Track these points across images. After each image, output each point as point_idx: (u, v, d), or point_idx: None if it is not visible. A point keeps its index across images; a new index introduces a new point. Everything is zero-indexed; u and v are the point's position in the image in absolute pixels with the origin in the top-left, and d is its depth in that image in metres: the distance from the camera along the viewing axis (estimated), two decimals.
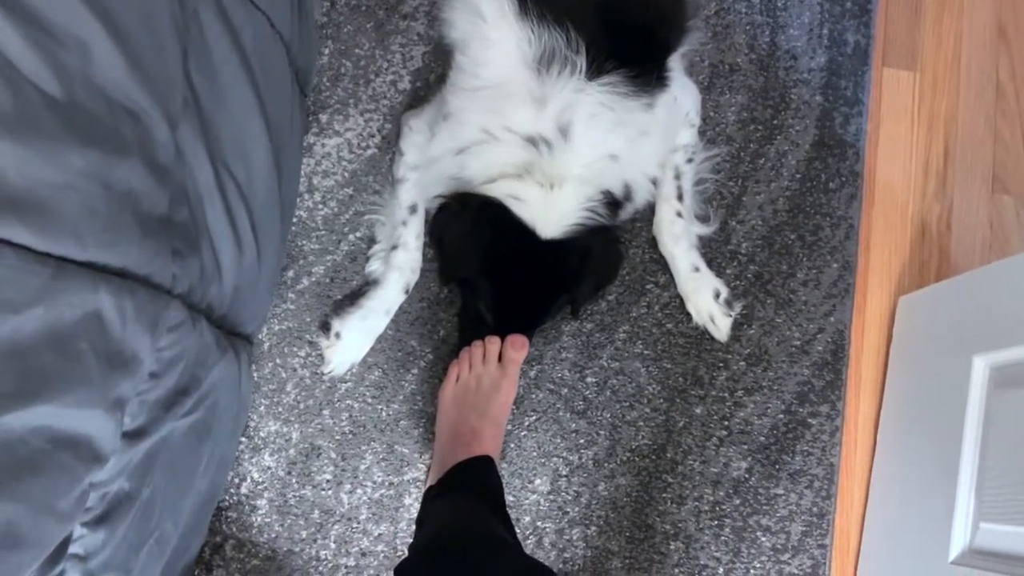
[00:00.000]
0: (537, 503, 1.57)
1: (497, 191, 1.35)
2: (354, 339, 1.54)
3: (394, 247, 1.55)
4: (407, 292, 1.56)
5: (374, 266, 1.58)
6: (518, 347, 1.44)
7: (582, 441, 1.59)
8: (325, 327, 1.54)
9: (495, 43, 1.36)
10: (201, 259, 1.04)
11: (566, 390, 1.60)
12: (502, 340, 1.44)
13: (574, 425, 1.59)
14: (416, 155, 1.55)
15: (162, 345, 0.95)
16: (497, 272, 1.40)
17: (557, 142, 1.33)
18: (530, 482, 1.57)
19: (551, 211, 1.36)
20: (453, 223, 1.42)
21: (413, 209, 1.56)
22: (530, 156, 1.34)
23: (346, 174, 1.64)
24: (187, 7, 0.95)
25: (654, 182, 1.54)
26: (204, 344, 1.12)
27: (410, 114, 1.60)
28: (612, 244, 1.49)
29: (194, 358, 1.09)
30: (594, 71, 1.32)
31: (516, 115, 1.34)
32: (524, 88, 1.33)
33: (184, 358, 1.04)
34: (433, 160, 1.46)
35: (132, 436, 0.95)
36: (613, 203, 1.43)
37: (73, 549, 0.91)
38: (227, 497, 1.51)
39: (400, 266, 1.54)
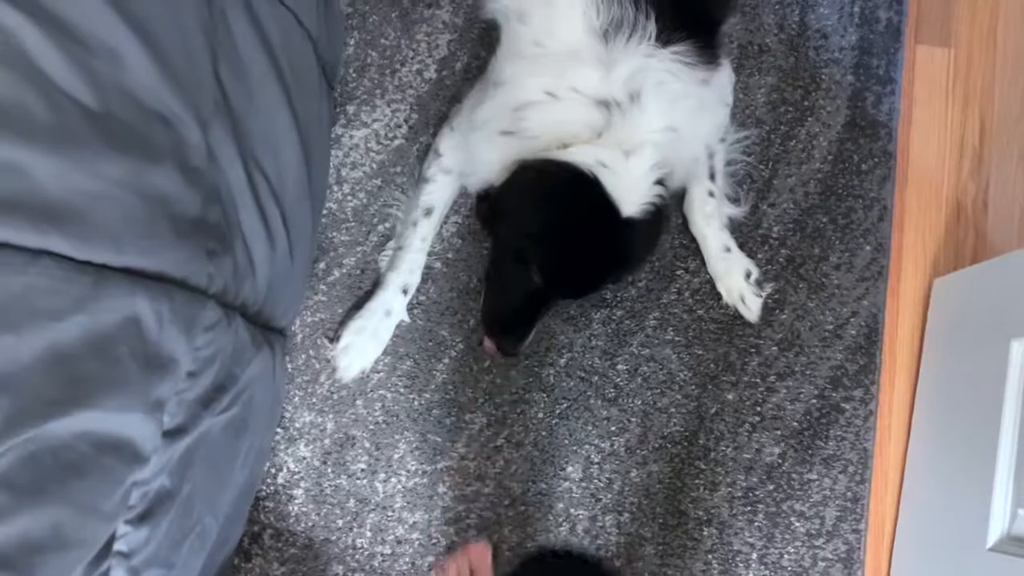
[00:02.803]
0: (569, 490, 1.58)
1: (582, 157, 1.28)
2: (357, 343, 1.55)
3: (399, 248, 1.56)
4: (406, 293, 1.56)
5: (382, 263, 1.59)
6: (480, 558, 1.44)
7: (613, 428, 1.60)
8: (334, 334, 1.56)
9: (560, 11, 1.33)
10: (235, 257, 1.05)
11: (597, 377, 1.60)
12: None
13: (605, 412, 1.60)
14: (453, 157, 1.54)
15: (199, 344, 0.96)
16: (566, 241, 1.34)
17: (628, 106, 1.30)
18: (562, 469, 1.58)
19: (631, 184, 1.30)
20: (531, 185, 1.34)
21: (428, 212, 1.55)
22: (603, 118, 1.30)
23: (374, 165, 1.64)
24: (215, 7, 0.95)
25: (697, 160, 1.53)
26: (239, 341, 1.13)
27: (452, 112, 1.59)
28: (664, 223, 1.43)
29: (230, 355, 1.10)
30: (664, 39, 1.30)
31: (583, 77, 1.30)
32: (591, 53, 1.30)
33: (220, 356, 1.05)
34: (482, 123, 1.41)
35: (172, 435, 0.97)
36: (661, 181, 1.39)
37: (117, 547, 0.93)
38: (264, 487, 1.53)
39: (399, 267, 1.55)
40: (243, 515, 1.41)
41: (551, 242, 1.33)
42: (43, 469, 0.73)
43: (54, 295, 0.73)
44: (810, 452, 1.61)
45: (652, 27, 1.29)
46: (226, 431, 1.17)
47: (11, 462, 0.70)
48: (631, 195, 1.30)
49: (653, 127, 1.32)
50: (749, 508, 1.59)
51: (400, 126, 1.66)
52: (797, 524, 1.60)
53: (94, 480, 0.80)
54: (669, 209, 1.46)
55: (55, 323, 0.73)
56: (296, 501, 1.54)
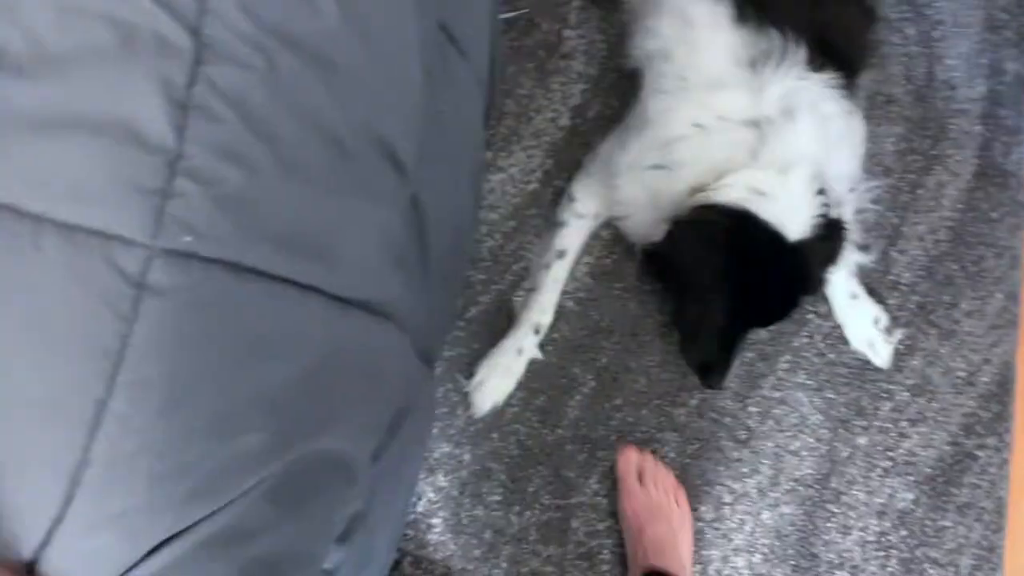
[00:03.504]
0: (701, 531, 1.60)
1: (735, 187, 1.26)
2: (491, 379, 1.60)
3: (532, 289, 1.61)
4: (538, 332, 1.60)
5: (517, 302, 1.64)
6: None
7: (745, 469, 1.62)
8: (469, 370, 1.61)
9: (705, 48, 1.34)
10: (424, 292, 1.12)
11: (728, 419, 1.63)
12: None
13: (737, 454, 1.62)
14: (587, 203, 1.59)
15: (401, 372, 1.03)
16: (744, 282, 1.33)
17: (782, 122, 1.28)
18: (694, 509, 1.60)
19: (793, 204, 1.27)
20: (691, 241, 1.33)
21: (561, 255, 1.61)
22: (756, 136, 1.28)
23: (510, 208, 1.71)
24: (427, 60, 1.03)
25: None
26: (416, 372, 1.20)
27: (587, 159, 1.64)
28: (839, 232, 1.37)
29: (409, 384, 1.17)
30: (815, 66, 1.31)
31: (731, 102, 1.29)
32: (738, 80, 1.30)
33: (408, 384, 1.11)
34: (628, 165, 1.43)
35: (372, 459, 1.03)
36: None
37: (324, 565, 0.99)
38: None
39: (532, 307, 1.60)
40: (396, 543, 1.46)
41: (730, 288, 1.33)
42: (299, 487, 0.80)
43: (314, 327, 0.80)
44: (944, 499, 1.61)
45: (802, 55, 1.29)
46: (396, 459, 1.23)
47: (277, 479, 0.77)
48: (796, 215, 1.28)
49: (806, 148, 1.30)
50: (882, 553, 1.59)
51: (535, 171, 1.72)
52: (931, 571, 1.59)
53: (329, 498, 0.87)
54: (841, 217, 1.37)
55: (314, 351, 0.80)
56: (435, 530, 1.59)
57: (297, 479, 0.80)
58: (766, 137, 1.28)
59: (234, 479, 0.73)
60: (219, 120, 0.69)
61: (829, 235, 1.33)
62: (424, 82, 1.01)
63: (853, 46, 1.46)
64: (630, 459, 1.57)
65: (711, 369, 1.44)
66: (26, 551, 0.66)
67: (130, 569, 0.69)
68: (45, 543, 0.66)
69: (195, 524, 0.72)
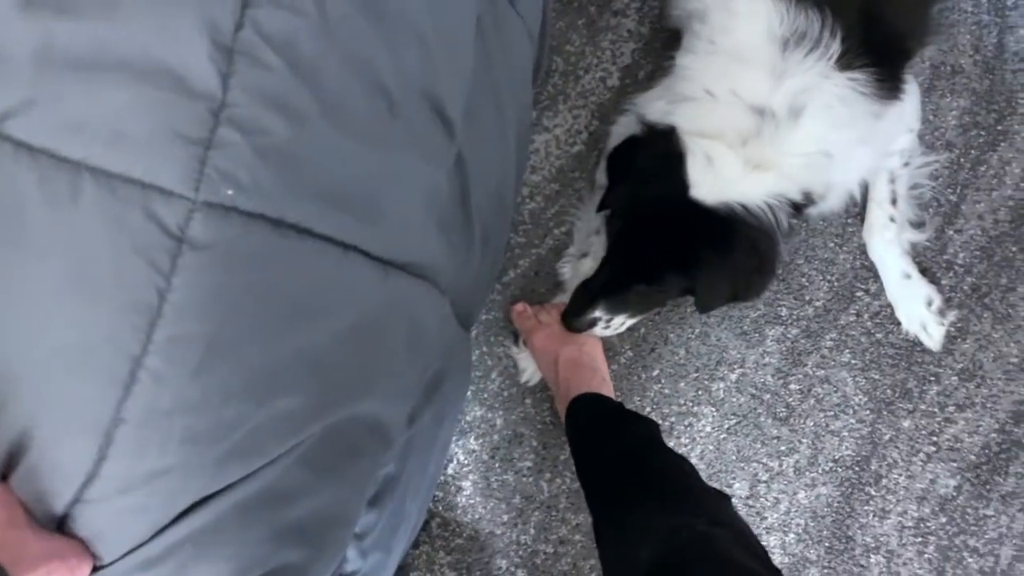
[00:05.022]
0: (735, 507, 1.56)
1: (698, 145, 1.25)
2: None
3: (583, 255, 1.57)
4: None
5: (563, 270, 1.60)
6: None
7: (783, 448, 1.58)
8: (516, 335, 1.58)
9: (742, 14, 1.29)
10: (467, 254, 1.08)
11: (768, 396, 1.59)
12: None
13: (775, 431, 1.58)
14: None
15: (442, 336, 1.00)
16: (634, 216, 1.32)
17: (785, 121, 1.25)
18: (728, 486, 1.57)
19: (731, 184, 1.25)
20: (627, 155, 1.35)
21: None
22: (756, 126, 1.26)
23: (553, 170, 1.66)
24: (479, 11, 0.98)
25: (851, 190, 1.47)
26: (455, 335, 1.17)
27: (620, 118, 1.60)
28: (765, 256, 1.31)
29: (447, 348, 1.14)
30: (844, 63, 1.26)
31: (748, 81, 1.27)
32: (764, 59, 1.26)
33: (446, 348, 1.09)
34: (641, 113, 1.41)
35: (408, 422, 1.01)
36: (800, 206, 1.34)
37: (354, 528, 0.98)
38: None
39: (585, 274, 1.55)
40: (428, 505, 1.45)
41: (620, 212, 1.33)
42: (335, 450, 0.78)
43: (355, 288, 0.77)
44: (987, 487, 1.56)
45: (836, 47, 1.24)
46: (431, 422, 1.21)
47: (314, 442, 0.75)
48: (722, 185, 1.24)
49: (803, 149, 1.27)
50: (920, 539, 1.56)
51: (580, 132, 1.67)
52: (970, 560, 1.55)
53: (365, 462, 0.85)
54: (779, 243, 1.30)
55: (354, 313, 0.77)
56: (464, 493, 1.58)
57: (334, 443, 0.78)
58: (762, 131, 1.25)
59: (271, 441, 0.71)
60: (266, 67, 0.66)
61: (753, 243, 1.27)
62: (476, 34, 0.96)
63: (908, 27, 1.38)
64: (521, 310, 1.55)
65: (573, 304, 1.41)
66: (58, 506, 0.65)
67: (163, 530, 0.67)
68: (77, 499, 0.65)
69: (230, 486, 0.71)
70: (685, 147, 1.26)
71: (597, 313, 1.38)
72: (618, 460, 1.23)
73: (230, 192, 0.64)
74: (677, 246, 1.28)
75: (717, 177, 1.25)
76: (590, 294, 1.38)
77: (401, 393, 0.89)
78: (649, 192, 1.30)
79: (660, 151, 1.29)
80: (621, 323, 1.41)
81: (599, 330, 1.41)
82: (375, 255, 0.79)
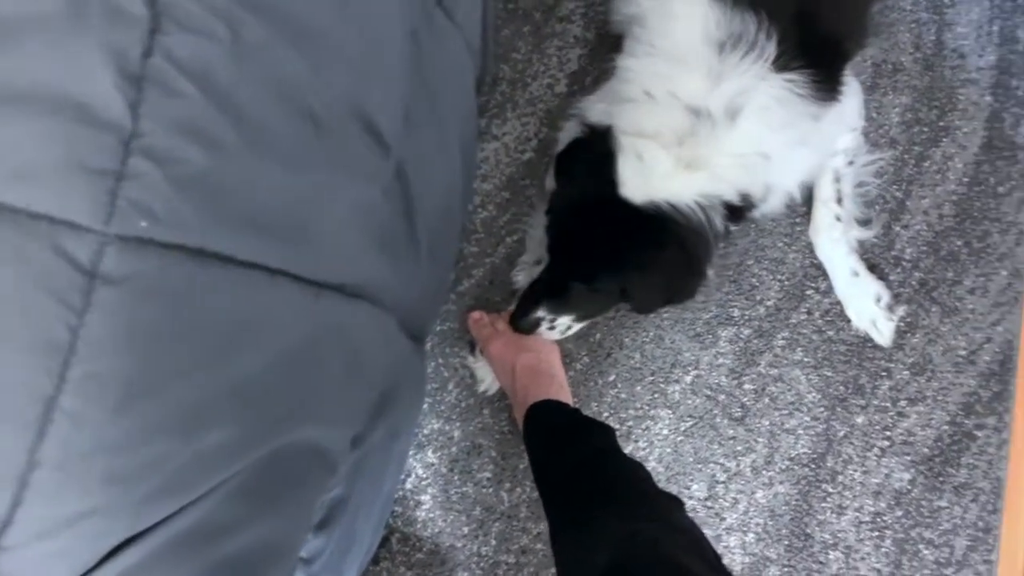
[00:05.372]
0: (694, 509, 1.57)
1: (630, 144, 1.25)
2: None
3: (537, 262, 1.56)
4: None
5: (518, 278, 1.60)
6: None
7: (740, 448, 1.59)
8: (472, 344, 1.57)
9: (679, 17, 1.29)
10: (413, 269, 1.07)
11: (723, 396, 1.60)
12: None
13: (731, 432, 1.59)
14: None
15: (388, 355, 0.98)
16: (568, 216, 1.32)
17: (722, 122, 1.25)
18: (687, 488, 1.58)
19: (660, 182, 1.25)
20: (569, 158, 1.36)
21: None
22: (692, 125, 1.25)
23: (503, 178, 1.65)
24: (412, 25, 0.97)
25: (793, 191, 1.48)
26: (404, 351, 1.16)
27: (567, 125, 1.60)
28: (694, 255, 1.30)
29: (396, 365, 1.13)
30: (781, 64, 1.26)
31: (685, 83, 1.26)
32: (701, 61, 1.26)
33: (394, 364, 1.07)
34: (583, 116, 1.41)
35: (354, 444, 0.99)
36: (738, 208, 1.33)
37: (301, 553, 0.96)
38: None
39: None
40: (384, 522, 1.44)
41: (558, 213, 1.33)
42: (272, 480, 0.76)
43: (286, 313, 0.75)
44: (941, 479, 1.58)
45: (772, 49, 1.24)
46: (383, 440, 1.19)
47: (248, 474, 0.73)
48: (651, 183, 1.24)
49: (739, 150, 1.27)
50: (877, 534, 1.57)
51: (530, 139, 1.67)
52: (926, 552, 1.57)
53: (307, 490, 0.83)
54: (708, 246, 1.30)
55: (284, 339, 0.76)
56: (423, 507, 1.57)
57: (271, 473, 0.76)
58: (698, 131, 1.25)
59: (200, 477, 0.70)
60: (178, 94, 0.64)
61: (682, 242, 1.26)
62: (409, 47, 0.95)
63: (845, 28, 1.38)
64: (478, 318, 1.54)
65: (520, 307, 1.40)
66: None
67: (89, 572, 0.65)
68: None
69: (160, 524, 0.69)
70: (618, 146, 1.26)
71: (540, 313, 1.37)
72: (574, 468, 1.23)
73: (144, 224, 0.62)
74: (608, 245, 1.28)
75: (646, 175, 1.24)
76: (534, 295, 1.38)
77: (343, 417, 0.88)
78: (582, 192, 1.30)
79: (596, 151, 1.29)
80: (567, 324, 1.40)
81: (544, 331, 1.40)
82: (306, 278, 0.77)
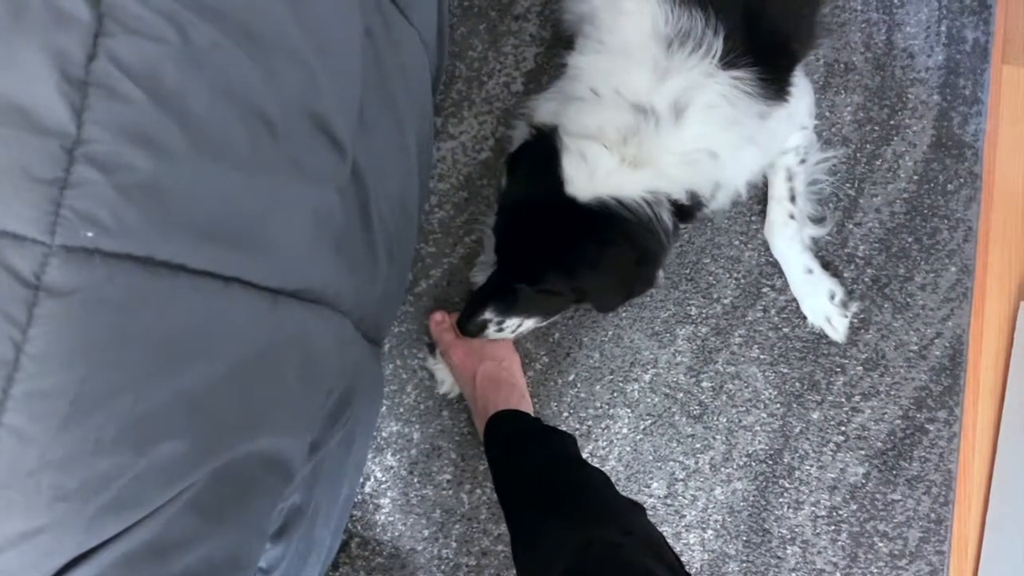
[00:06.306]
0: (654, 507, 1.58)
1: (574, 143, 1.25)
2: None
3: (492, 263, 1.56)
4: None
5: (476, 278, 1.59)
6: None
7: (698, 445, 1.60)
8: (431, 346, 1.56)
9: (628, 13, 1.28)
10: (370, 273, 1.06)
11: (682, 394, 1.61)
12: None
13: (690, 429, 1.60)
14: None
15: (344, 361, 0.97)
16: (514, 216, 1.32)
17: (666, 119, 1.25)
18: (646, 486, 1.59)
19: (604, 179, 1.24)
20: (518, 158, 1.35)
21: None
22: (635, 123, 1.25)
23: (460, 177, 1.64)
24: (368, 25, 0.96)
25: (741, 189, 1.47)
26: (361, 354, 1.14)
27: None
28: (644, 247, 1.29)
29: (352, 369, 1.11)
30: (728, 62, 1.26)
31: (632, 79, 1.26)
32: (648, 57, 1.25)
33: (351, 367, 1.06)
34: (531, 116, 1.41)
35: (310, 451, 0.98)
36: (687, 207, 1.33)
37: (259, 563, 0.94)
38: None
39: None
40: (343, 526, 1.42)
41: (505, 213, 1.33)
42: (227, 492, 0.75)
43: (240, 321, 0.74)
44: (894, 473, 1.61)
45: (719, 46, 1.24)
46: (340, 445, 1.18)
47: (202, 486, 0.71)
48: (595, 181, 1.23)
49: (685, 148, 1.27)
50: (833, 528, 1.60)
51: (487, 138, 1.66)
52: (880, 545, 1.60)
53: (263, 500, 0.81)
54: (660, 241, 1.29)
55: (239, 348, 0.74)
56: (383, 510, 1.55)
57: (226, 485, 0.74)
58: (641, 130, 1.24)
59: (152, 491, 0.68)
60: (124, 99, 0.62)
61: (629, 236, 1.25)
62: (364, 47, 0.94)
63: (792, 28, 1.39)
64: (440, 319, 1.54)
65: (467, 309, 1.39)
66: None
67: None
68: None
69: (112, 539, 0.67)
70: (562, 145, 1.25)
71: (487, 315, 1.35)
72: (533, 478, 1.23)
73: (90, 234, 0.60)
74: (555, 244, 1.27)
75: (591, 173, 1.24)
76: (482, 297, 1.37)
77: (299, 424, 0.86)
78: (528, 192, 1.30)
79: (541, 151, 1.28)
80: (517, 325, 1.38)
81: (492, 332, 1.38)
82: (261, 285, 0.76)
